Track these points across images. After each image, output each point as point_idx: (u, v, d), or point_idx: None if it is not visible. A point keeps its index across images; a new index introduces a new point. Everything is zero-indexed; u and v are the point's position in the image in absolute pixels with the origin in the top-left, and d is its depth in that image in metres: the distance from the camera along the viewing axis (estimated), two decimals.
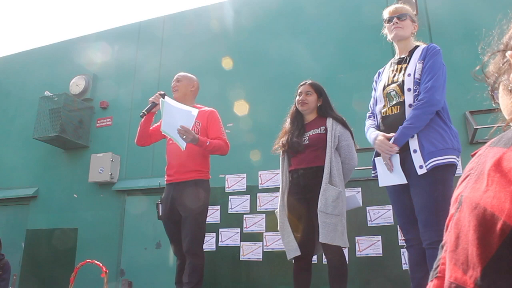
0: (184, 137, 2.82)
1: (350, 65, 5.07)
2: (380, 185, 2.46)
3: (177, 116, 2.85)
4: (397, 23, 2.48)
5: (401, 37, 2.50)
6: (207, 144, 2.97)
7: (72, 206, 6.04)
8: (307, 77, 3.23)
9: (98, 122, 6.39)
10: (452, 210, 0.63)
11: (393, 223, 4.20)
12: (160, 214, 3.19)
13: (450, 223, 0.62)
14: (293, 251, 2.80)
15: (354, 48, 5.13)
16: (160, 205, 3.20)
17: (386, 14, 2.57)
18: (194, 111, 2.85)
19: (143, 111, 3.11)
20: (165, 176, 3.21)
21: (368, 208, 4.36)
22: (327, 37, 5.36)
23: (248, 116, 5.35)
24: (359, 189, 4.45)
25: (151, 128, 3.29)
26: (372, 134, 2.46)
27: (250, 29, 5.87)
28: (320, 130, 2.92)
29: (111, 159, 5.83)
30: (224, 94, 5.52)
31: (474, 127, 4.02)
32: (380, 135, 2.38)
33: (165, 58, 6.29)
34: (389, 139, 2.34)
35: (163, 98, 3.08)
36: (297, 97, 3.08)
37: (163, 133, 2.98)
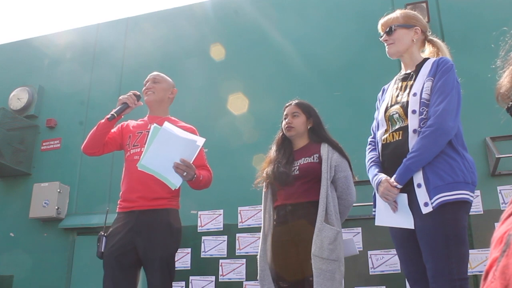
0: (185, 173, 2.64)
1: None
2: (376, 224, 2.45)
3: (176, 147, 2.63)
4: (386, 40, 2.55)
5: (396, 53, 2.54)
6: (200, 179, 2.78)
7: (7, 247, 5.87)
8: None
9: (44, 144, 6.30)
10: (495, 253, 0.59)
11: (399, 271, 4.17)
12: (102, 250, 2.83)
13: (492, 270, 0.58)
14: None
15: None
16: (104, 238, 2.85)
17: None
18: (200, 140, 2.68)
19: (113, 112, 2.91)
20: (119, 202, 2.96)
21: (369, 252, 4.34)
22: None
23: (228, 134, 5.29)
24: (359, 229, 4.43)
25: None
26: (375, 178, 2.44)
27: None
28: (313, 159, 2.92)
29: (59, 190, 5.72)
30: (200, 100, 5.46)
31: (497, 156, 4.03)
32: (384, 179, 2.35)
33: (127, 63, 6.28)
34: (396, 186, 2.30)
35: (138, 99, 3.00)
36: (283, 121, 3.11)
37: (141, 169, 2.66)
